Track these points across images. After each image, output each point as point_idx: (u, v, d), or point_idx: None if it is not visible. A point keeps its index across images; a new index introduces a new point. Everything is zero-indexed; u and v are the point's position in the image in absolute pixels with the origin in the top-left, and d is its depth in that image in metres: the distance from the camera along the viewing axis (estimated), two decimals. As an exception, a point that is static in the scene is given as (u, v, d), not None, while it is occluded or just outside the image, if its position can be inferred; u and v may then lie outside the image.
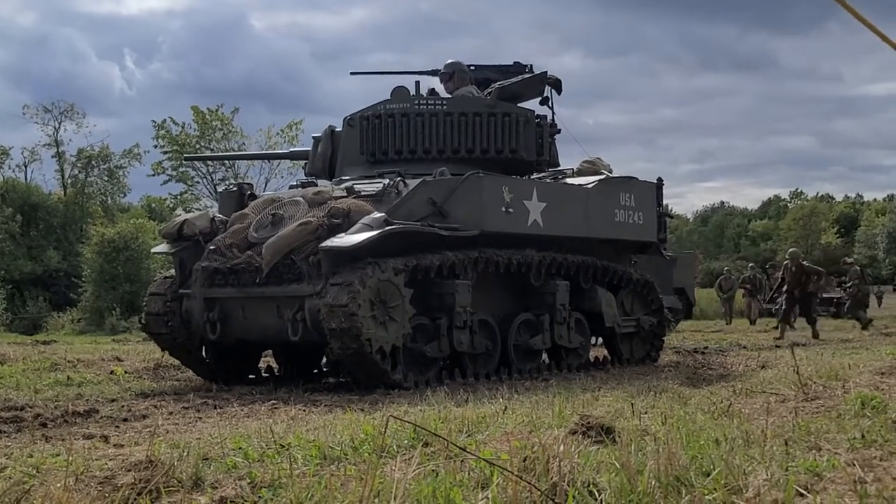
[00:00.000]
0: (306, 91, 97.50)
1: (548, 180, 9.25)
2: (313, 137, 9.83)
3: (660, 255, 10.71)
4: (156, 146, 32.22)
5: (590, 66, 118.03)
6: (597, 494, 2.61)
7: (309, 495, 2.64)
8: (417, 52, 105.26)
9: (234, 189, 9.11)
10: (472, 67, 9.71)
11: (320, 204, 7.65)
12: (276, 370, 8.82)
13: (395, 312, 7.12)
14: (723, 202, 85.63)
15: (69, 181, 35.39)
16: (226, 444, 3.67)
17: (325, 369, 8.78)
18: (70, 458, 3.36)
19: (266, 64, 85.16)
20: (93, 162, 35.68)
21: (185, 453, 3.09)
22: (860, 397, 4.29)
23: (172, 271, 8.23)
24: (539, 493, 2.53)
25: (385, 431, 3.06)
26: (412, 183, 7.81)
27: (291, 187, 9.11)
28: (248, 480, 2.92)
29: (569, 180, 9.39)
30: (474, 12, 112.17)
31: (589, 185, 9.24)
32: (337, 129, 9.38)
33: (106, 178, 35.42)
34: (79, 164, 36.00)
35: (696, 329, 18.23)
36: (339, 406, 5.73)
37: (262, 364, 9.12)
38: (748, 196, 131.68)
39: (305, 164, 9.88)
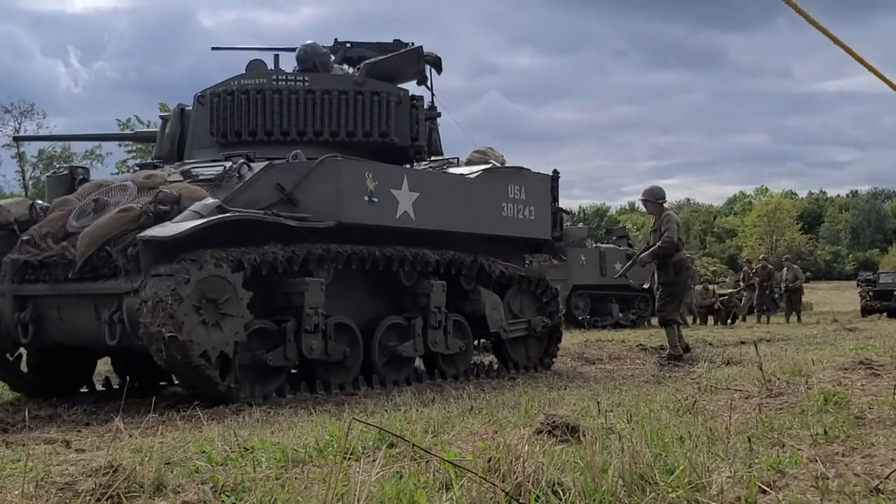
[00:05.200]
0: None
1: (428, 169, 8.69)
2: (160, 117, 9.10)
3: (555, 254, 10.29)
4: (120, 145, 31.68)
5: (540, 63, 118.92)
6: (561, 494, 2.68)
7: (272, 499, 2.65)
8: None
9: (65, 173, 8.18)
10: (347, 45, 9.19)
11: (150, 189, 6.92)
12: (114, 382, 7.97)
13: (228, 314, 6.41)
14: (688, 199, 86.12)
15: (30, 182, 34.93)
16: (189, 447, 3.63)
17: (175, 380, 7.83)
18: (29, 463, 3.30)
19: (213, 61, 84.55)
20: (54, 163, 35.24)
21: (147, 458, 3.07)
22: (823, 393, 4.42)
23: None
24: (503, 493, 2.53)
25: (348, 433, 3.05)
26: (258, 166, 7.17)
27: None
28: (211, 485, 2.97)
29: (451, 170, 8.85)
30: (423, 9, 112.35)
31: (471, 175, 8.62)
32: (188, 108, 8.62)
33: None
34: (40, 165, 35.58)
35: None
36: (304, 408, 5.67)
37: (104, 374, 8.28)
38: (707, 193, 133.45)
39: (153, 146, 9.02)
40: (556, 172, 9.70)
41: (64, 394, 7.27)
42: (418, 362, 8.44)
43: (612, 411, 4.80)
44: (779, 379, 5.51)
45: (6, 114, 37.10)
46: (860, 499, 2.75)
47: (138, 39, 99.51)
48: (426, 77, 9.10)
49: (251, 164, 7.16)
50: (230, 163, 7.16)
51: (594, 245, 22.57)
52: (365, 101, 8.18)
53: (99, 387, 7.88)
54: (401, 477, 3.02)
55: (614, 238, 23.54)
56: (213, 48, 9.56)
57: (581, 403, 5.31)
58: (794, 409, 4.53)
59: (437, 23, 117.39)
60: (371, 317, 7.81)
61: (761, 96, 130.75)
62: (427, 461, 3.15)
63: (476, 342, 9.26)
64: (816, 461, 3.17)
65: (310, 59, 8.56)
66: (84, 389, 7.79)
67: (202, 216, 6.34)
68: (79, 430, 5.33)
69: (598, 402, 4.95)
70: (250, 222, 6.64)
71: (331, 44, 9.11)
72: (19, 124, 36.53)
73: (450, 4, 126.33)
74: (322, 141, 7.99)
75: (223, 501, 2.97)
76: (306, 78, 8.14)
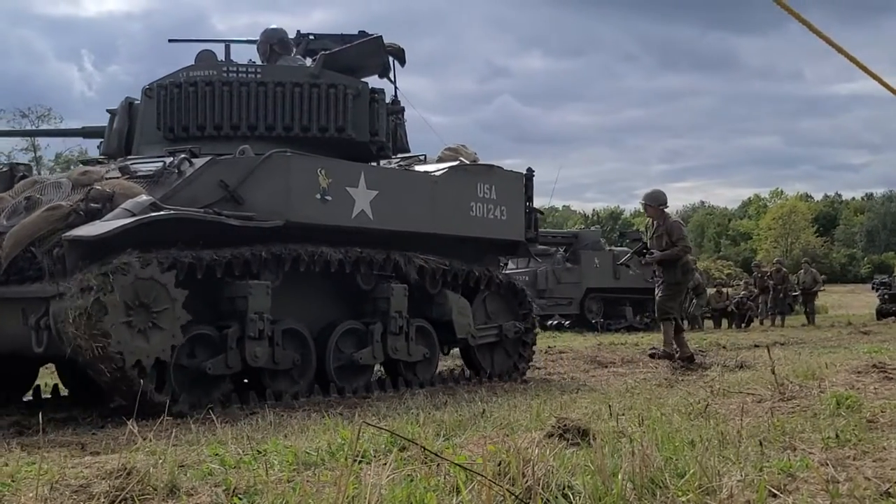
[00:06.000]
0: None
1: (392, 166, 8.46)
2: (108, 111, 8.65)
3: (529, 256, 9.92)
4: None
5: (550, 66, 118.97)
6: (571, 497, 2.72)
7: (284, 501, 2.69)
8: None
9: (5, 170, 7.80)
10: (311, 37, 8.82)
11: (85, 185, 6.59)
12: (60, 390, 7.73)
13: (162, 319, 6.09)
14: (702, 202, 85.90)
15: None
16: (202, 450, 3.67)
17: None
18: (44, 466, 3.35)
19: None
20: (71, 166, 35.43)
21: (161, 460, 3.10)
22: (835, 397, 4.44)
23: None
24: (513, 497, 2.54)
25: (359, 437, 3.06)
26: (200, 162, 6.88)
27: None
28: (224, 487, 3.03)
29: (417, 167, 8.54)
30: (432, 12, 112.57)
31: (437, 173, 8.34)
32: (136, 102, 8.30)
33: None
34: (57, 169, 35.78)
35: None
36: (316, 412, 5.69)
37: (51, 381, 8.00)
38: (720, 196, 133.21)
39: (101, 143, 8.69)
40: (530, 171, 9.42)
41: (2, 403, 7.00)
42: (380, 370, 8.27)
43: (623, 415, 4.84)
44: (791, 382, 5.54)
45: (23, 118, 37.27)
46: (871, 503, 2.75)
47: (151, 43, 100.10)
48: (389, 69, 8.76)
49: (193, 159, 6.89)
50: (171, 158, 6.90)
51: (608, 248, 22.52)
52: (321, 94, 7.86)
53: (28, 395, 7.59)
54: (411, 480, 3.06)
55: (628, 241, 23.52)
56: (170, 40, 9.28)
57: (593, 407, 5.35)
58: (807, 413, 4.56)
59: (446, 25, 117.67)
60: (326, 322, 7.58)
61: (773, 99, 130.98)
62: (438, 464, 3.19)
63: (446, 349, 9.02)
64: (827, 465, 3.19)
65: (266, 42, 8.34)
66: (29, 398, 7.52)
67: (133, 214, 6.05)
68: (93, 433, 5.41)
69: (609, 406, 4.99)
70: (190, 222, 6.36)
71: (293, 36, 8.84)
72: (36, 128, 36.70)
73: (459, 7, 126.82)
74: (275, 136, 7.72)
75: (236, 503, 2.99)
76: (258, 70, 7.87)
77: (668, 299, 10.46)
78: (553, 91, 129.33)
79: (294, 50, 8.60)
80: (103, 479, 3.23)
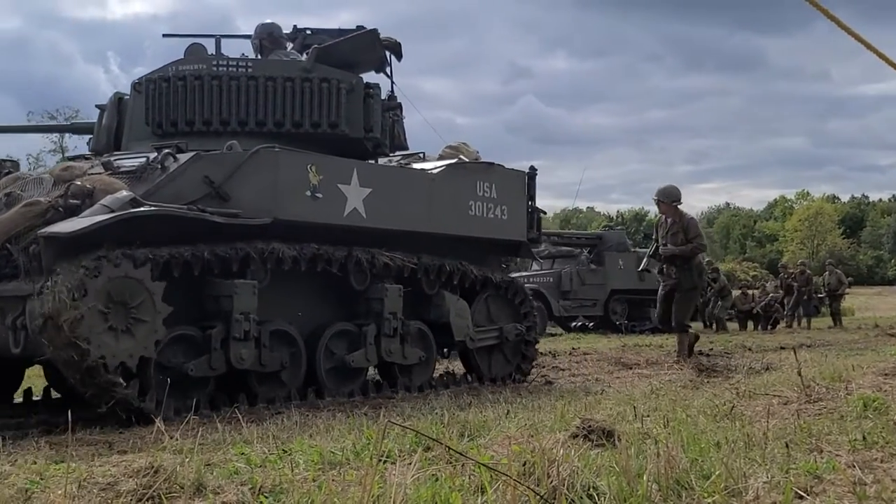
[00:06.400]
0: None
1: (391, 163, 8.34)
2: (97, 106, 8.47)
3: (530, 256, 9.61)
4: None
5: (574, 67, 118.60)
6: (596, 498, 2.73)
7: (309, 500, 2.70)
8: (404, 54, 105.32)
9: None
10: (307, 31, 8.64)
11: (67, 181, 6.45)
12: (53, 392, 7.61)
13: (142, 314, 5.96)
14: (728, 203, 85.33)
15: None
16: (228, 449, 3.70)
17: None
18: (72, 464, 3.39)
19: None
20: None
21: (188, 459, 3.13)
22: (862, 399, 4.45)
23: None
24: (538, 497, 2.54)
25: (384, 436, 3.07)
26: (185, 158, 6.78)
27: None
28: (250, 486, 3.05)
29: (415, 165, 8.41)
30: (458, 13, 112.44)
31: (433, 171, 8.21)
32: (126, 97, 8.16)
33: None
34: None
35: (702, 331, 18.13)
36: (341, 411, 5.72)
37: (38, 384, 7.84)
38: (746, 197, 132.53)
39: (90, 139, 8.56)
40: (532, 169, 9.26)
41: None
42: (374, 373, 8.11)
43: (648, 416, 4.85)
44: (818, 385, 5.53)
45: (51, 120, 37.62)
46: (898, 505, 2.73)
47: (177, 45, 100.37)
48: (385, 64, 8.59)
49: (177, 155, 6.79)
50: (154, 154, 6.79)
51: (633, 249, 22.46)
52: (313, 89, 7.71)
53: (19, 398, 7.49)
54: (436, 480, 3.08)
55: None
56: (164, 35, 8.95)
57: (617, 408, 5.35)
58: (833, 415, 4.56)
59: (471, 27, 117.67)
60: (317, 324, 7.45)
61: (800, 99, 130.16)
62: (462, 464, 3.21)
63: (446, 352, 8.95)
64: (854, 467, 3.18)
65: (258, 37, 8.27)
66: (17, 401, 7.42)
67: (112, 210, 5.91)
68: (121, 432, 5.44)
69: (634, 407, 5.00)
70: (172, 219, 6.24)
71: (290, 31, 8.73)
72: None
73: (484, 8, 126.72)
74: (265, 132, 7.58)
75: (262, 502, 3.03)
76: (249, 64, 7.75)
77: (687, 309, 10.52)
78: (577, 92, 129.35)
79: (288, 45, 8.51)
80: (130, 477, 3.27)
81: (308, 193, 6.89)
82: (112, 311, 5.78)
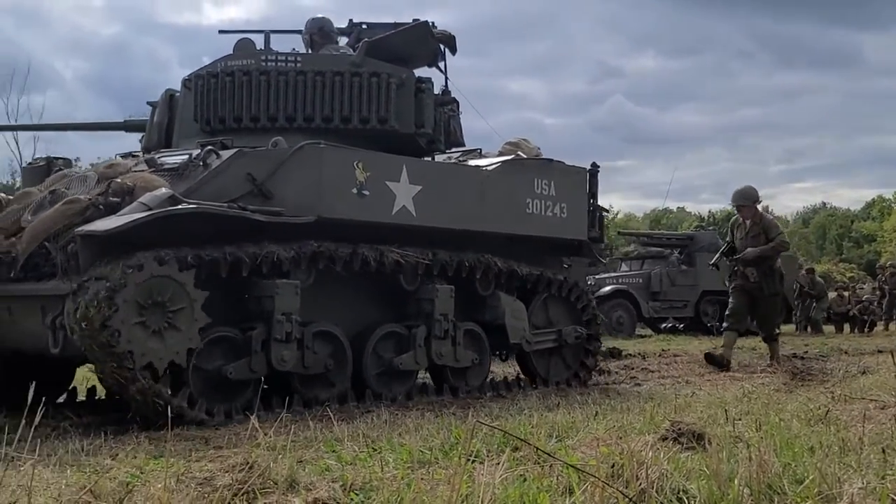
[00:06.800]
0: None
1: (442, 160, 8.16)
2: (148, 104, 8.43)
3: (592, 256, 9.18)
4: None
5: (663, 65, 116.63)
6: (686, 502, 2.71)
7: (398, 498, 2.74)
8: (489, 55, 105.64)
9: (42, 164, 7.63)
10: (363, 26, 8.41)
11: (110, 179, 6.38)
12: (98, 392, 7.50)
13: (179, 320, 5.84)
14: (824, 203, 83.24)
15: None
16: (320, 447, 3.77)
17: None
18: (170, 459, 3.50)
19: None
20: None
21: (281, 456, 3.21)
22: None
23: None
24: (627, 499, 2.54)
25: (473, 436, 3.10)
26: (227, 154, 6.69)
27: None
28: (341, 483, 3.07)
29: (471, 162, 8.18)
30: (543, 12, 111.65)
31: (488, 168, 7.98)
32: (177, 94, 8.06)
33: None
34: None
35: (797, 334, 17.74)
36: (430, 411, 5.76)
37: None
38: (842, 197, 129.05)
39: (142, 137, 8.53)
40: (594, 166, 9.01)
41: (37, 405, 6.81)
42: (426, 376, 7.97)
43: (740, 420, 4.81)
44: (917, 388, 5.32)
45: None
46: None
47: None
48: (439, 57, 8.34)
49: (220, 152, 6.72)
50: (197, 150, 6.73)
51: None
52: (362, 83, 7.54)
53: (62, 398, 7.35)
54: (524, 480, 3.11)
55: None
56: (220, 31, 8.65)
57: (708, 411, 5.31)
58: (933, 420, 4.38)
59: (558, 26, 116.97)
60: (365, 325, 7.30)
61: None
62: (550, 465, 3.23)
63: (504, 355, 8.72)
64: (954, 473, 3.07)
65: (308, 32, 8.14)
66: (60, 400, 7.30)
67: (149, 208, 5.82)
68: (216, 429, 5.58)
69: (725, 410, 4.96)
70: (212, 217, 6.11)
71: (345, 25, 8.57)
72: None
73: (570, 8, 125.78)
74: (314, 128, 7.43)
75: (352, 499, 3.08)
76: (298, 58, 7.61)
77: (774, 317, 10.40)
78: (666, 91, 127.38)
79: (341, 39, 8.36)
80: (226, 472, 3.37)
81: (354, 191, 6.75)
82: (148, 310, 5.69)
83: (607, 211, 9.69)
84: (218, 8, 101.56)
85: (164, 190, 6.03)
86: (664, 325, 21.12)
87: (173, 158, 6.83)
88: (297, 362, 6.56)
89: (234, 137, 7.14)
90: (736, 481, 3.04)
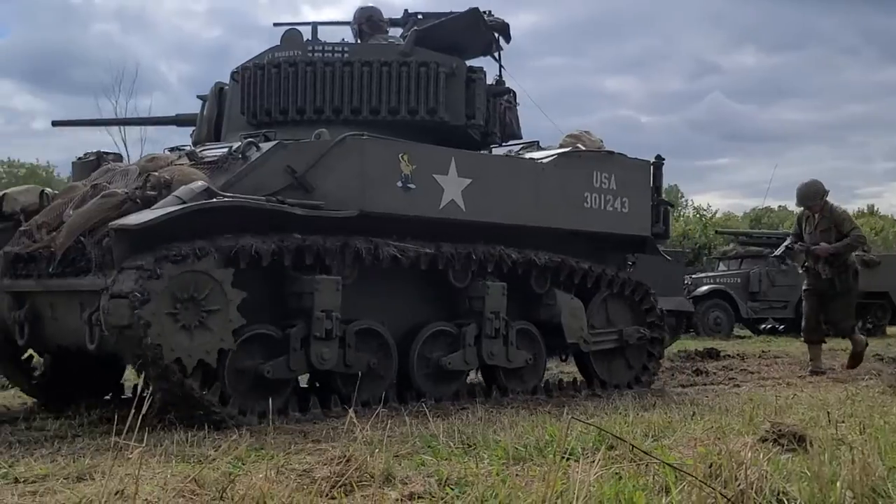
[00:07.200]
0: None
1: (497, 153, 7.95)
2: (198, 97, 8.30)
3: (656, 253, 8.84)
4: None
5: (764, 61, 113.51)
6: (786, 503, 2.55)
7: (493, 493, 2.76)
8: (586, 54, 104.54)
9: (92, 158, 7.42)
10: (418, 16, 8.13)
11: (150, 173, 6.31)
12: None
13: (213, 317, 5.69)
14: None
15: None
16: (415, 442, 3.82)
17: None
18: (271, 451, 3.61)
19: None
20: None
21: (377, 450, 3.26)
22: None
23: None
24: (725, 500, 2.50)
25: (568, 433, 3.09)
26: (267, 146, 6.56)
27: None
28: (436, 478, 3.08)
29: (527, 154, 7.94)
30: (639, 11, 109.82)
31: (544, 161, 7.72)
32: (227, 87, 7.92)
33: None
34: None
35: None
36: (524, 408, 5.78)
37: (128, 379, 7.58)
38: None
39: (192, 131, 8.42)
40: (659, 158, 8.66)
41: (83, 401, 6.71)
42: (477, 377, 7.80)
43: (843, 422, 4.71)
44: None
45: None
46: None
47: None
48: (494, 46, 8.04)
49: (260, 144, 6.58)
50: (238, 143, 6.62)
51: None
52: (410, 74, 7.38)
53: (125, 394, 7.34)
54: (619, 478, 3.09)
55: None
56: (274, 24, 8.41)
57: (809, 413, 5.22)
58: None
59: (654, 23, 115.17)
60: (413, 323, 7.11)
61: None
62: (646, 464, 3.19)
63: (563, 356, 8.49)
64: None
65: (357, 21, 8.01)
66: (107, 396, 7.22)
67: (183, 202, 5.65)
68: (314, 423, 5.67)
69: (828, 413, 4.84)
70: (249, 210, 5.98)
71: (399, 15, 8.37)
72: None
73: (666, 4, 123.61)
74: (361, 120, 7.29)
75: (447, 494, 3.11)
76: (345, 49, 7.45)
77: (850, 314, 9.76)
78: (767, 87, 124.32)
79: (391, 30, 8.16)
80: (325, 465, 3.46)
81: (399, 184, 6.55)
82: (182, 305, 5.56)
83: (672, 205, 9.14)
84: (316, 10, 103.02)
85: (199, 183, 5.88)
86: (763, 325, 20.69)
87: (214, 152, 6.78)
88: (337, 361, 6.37)
89: (280, 130, 7.05)
90: (838, 484, 2.98)
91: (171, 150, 7.62)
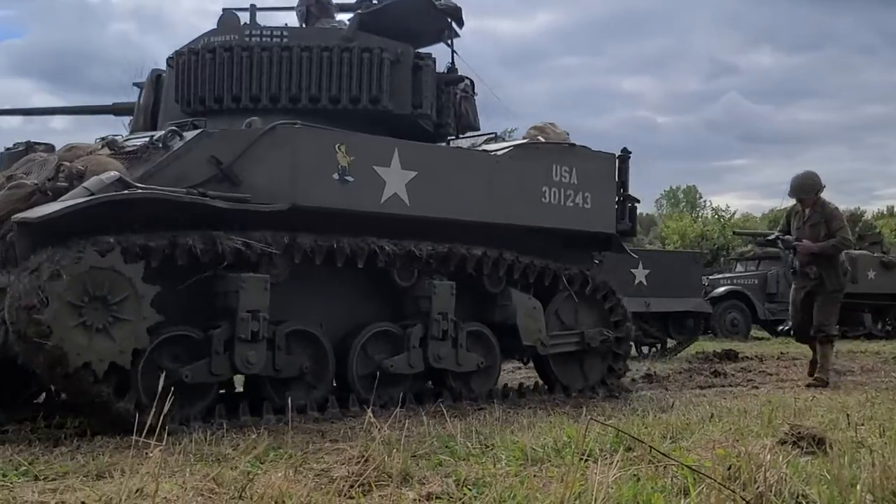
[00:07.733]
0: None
1: (459, 145, 7.72)
2: (134, 85, 8.00)
3: (622, 251, 8.51)
4: None
5: (781, 62, 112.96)
6: None
7: (511, 494, 2.77)
8: (602, 53, 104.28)
9: (21, 149, 7.01)
10: (374, 1, 7.70)
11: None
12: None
13: (124, 315, 5.36)
14: (960, 202, 79.84)
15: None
16: (433, 442, 3.82)
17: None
18: (289, 451, 3.62)
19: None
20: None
21: (395, 450, 3.26)
22: None
23: None
24: (744, 502, 2.49)
25: (586, 435, 3.09)
26: (190, 135, 6.23)
27: None
28: (454, 478, 3.09)
29: (485, 146, 7.66)
30: (656, 11, 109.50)
31: (499, 153, 7.44)
32: (163, 73, 7.63)
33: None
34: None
35: None
36: (542, 409, 5.77)
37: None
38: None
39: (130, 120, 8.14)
40: (625, 151, 8.46)
41: (15, 407, 6.45)
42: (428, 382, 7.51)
43: (863, 425, 4.71)
44: None
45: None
46: None
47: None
48: (449, 33, 7.67)
49: (184, 133, 6.24)
50: (160, 132, 6.31)
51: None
52: (353, 60, 7.10)
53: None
54: (638, 480, 3.09)
55: (866, 244, 22.07)
56: (223, 9, 7.83)
57: (829, 416, 5.20)
58: None
59: (671, 23, 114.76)
60: (354, 324, 6.84)
61: None
62: (665, 466, 3.18)
63: (525, 359, 8.20)
64: None
65: (304, 3, 7.73)
66: (37, 400, 6.94)
67: (92, 193, 5.35)
68: (332, 422, 5.69)
69: (847, 415, 4.80)
70: (166, 203, 5.65)
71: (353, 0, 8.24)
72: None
73: (683, 4, 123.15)
74: (300, 108, 7.03)
75: (465, 494, 3.10)
76: (283, 33, 7.16)
77: (832, 314, 9.23)
78: (784, 87, 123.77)
79: (339, 16, 7.89)
80: (343, 464, 3.48)
81: (336, 176, 6.23)
82: (87, 306, 5.21)
83: (639, 201, 8.55)
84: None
85: (112, 173, 5.55)
86: (781, 327, 20.57)
87: (136, 141, 6.44)
88: (265, 364, 6.06)
89: (214, 119, 6.77)
90: (858, 487, 2.98)
91: (101, 139, 7.21)
